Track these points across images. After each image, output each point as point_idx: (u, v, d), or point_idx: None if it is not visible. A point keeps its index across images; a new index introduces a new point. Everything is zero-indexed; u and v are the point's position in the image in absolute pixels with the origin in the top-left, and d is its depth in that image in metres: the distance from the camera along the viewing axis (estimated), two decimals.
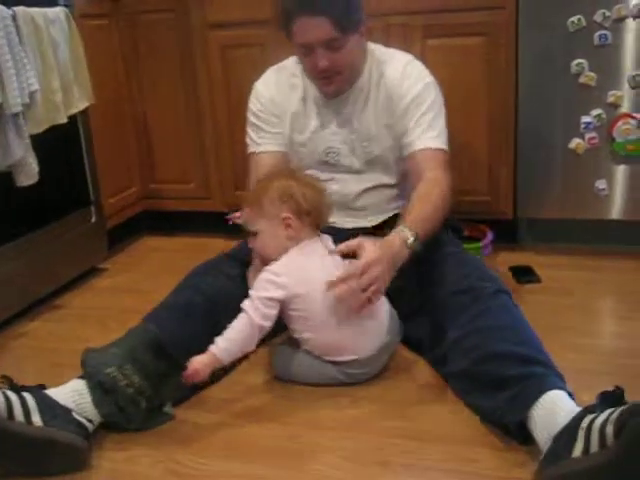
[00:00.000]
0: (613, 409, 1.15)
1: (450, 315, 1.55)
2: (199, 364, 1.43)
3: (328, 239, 1.65)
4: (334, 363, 1.58)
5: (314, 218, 1.61)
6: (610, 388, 1.24)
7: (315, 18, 1.66)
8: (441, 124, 1.85)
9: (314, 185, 1.64)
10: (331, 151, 1.89)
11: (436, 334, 1.59)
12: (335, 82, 1.78)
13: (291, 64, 1.93)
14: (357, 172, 1.89)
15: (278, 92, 1.91)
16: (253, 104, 1.96)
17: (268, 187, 1.61)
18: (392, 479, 1.30)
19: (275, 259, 1.58)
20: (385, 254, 1.50)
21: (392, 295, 1.63)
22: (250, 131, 1.97)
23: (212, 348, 1.45)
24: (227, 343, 1.46)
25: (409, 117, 1.82)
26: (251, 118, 1.96)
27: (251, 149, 1.96)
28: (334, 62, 1.72)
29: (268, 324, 1.51)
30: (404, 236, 1.56)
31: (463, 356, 1.47)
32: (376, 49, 1.89)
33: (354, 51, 1.77)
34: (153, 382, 1.48)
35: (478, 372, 1.42)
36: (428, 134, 1.82)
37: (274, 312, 1.51)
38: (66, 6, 2.18)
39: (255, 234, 1.62)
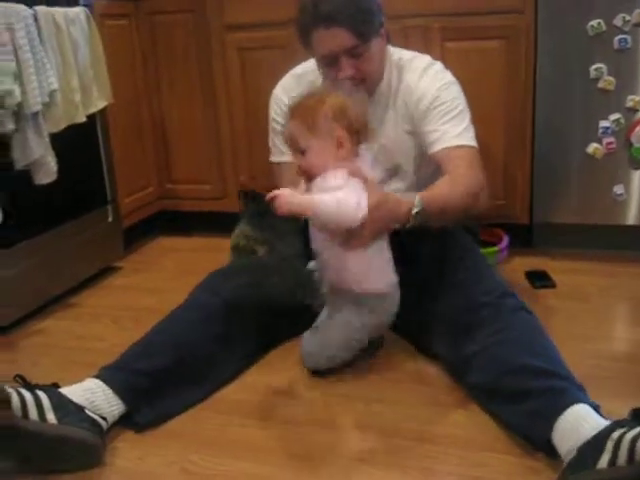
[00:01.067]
0: None
1: (470, 329, 1.54)
2: (290, 195, 1.41)
3: (366, 158, 1.59)
4: (354, 304, 1.58)
5: (361, 137, 1.55)
6: None
7: (332, 29, 1.65)
8: (465, 121, 1.81)
9: (361, 102, 1.59)
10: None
11: (455, 346, 1.57)
12: (361, 88, 1.76)
13: (310, 69, 1.90)
14: (382, 182, 1.87)
15: (297, 93, 1.90)
16: (273, 110, 1.94)
17: (322, 103, 1.51)
18: None
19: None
20: (384, 208, 1.50)
21: (410, 302, 1.64)
22: (274, 137, 1.95)
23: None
24: (325, 201, 1.43)
25: (429, 119, 1.79)
26: (273, 124, 1.96)
27: (274, 158, 1.94)
28: (359, 69, 1.71)
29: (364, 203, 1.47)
30: (411, 205, 1.54)
31: (483, 369, 1.46)
32: (394, 53, 1.86)
33: (377, 55, 1.75)
34: None
35: (499, 385, 1.42)
36: (450, 133, 1.78)
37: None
38: (86, 6, 2.20)
39: (303, 152, 1.51)
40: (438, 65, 1.85)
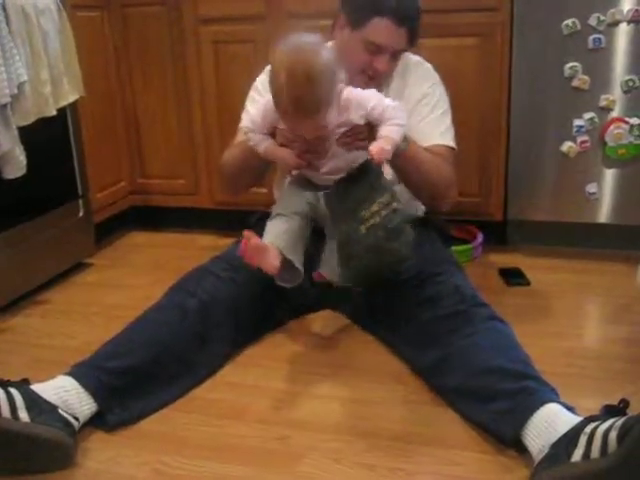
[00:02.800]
0: (618, 417, 1.15)
1: (442, 334, 1.54)
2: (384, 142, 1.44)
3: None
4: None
5: None
6: (615, 402, 1.23)
7: (401, 28, 1.71)
8: (447, 121, 1.91)
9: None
10: None
11: (426, 351, 1.57)
12: (372, 83, 1.77)
13: None
14: None
15: None
16: (260, 82, 1.92)
17: (329, 63, 1.44)
18: None
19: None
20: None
21: (383, 306, 1.70)
22: (249, 105, 1.93)
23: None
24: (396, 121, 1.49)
25: (415, 115, 1.84)
26: (254, 94, 1.93)
27: (244, 123, 1.90)
28: (389, 69, 1.78)
29: None
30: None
31: (455, 371, 1.47)
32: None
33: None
34: None
35: (471, 387, 1.42)
36: (434, 131, 1.85)
37: None
38: None
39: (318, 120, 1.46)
40: (427, 64, 1.93)
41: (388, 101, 1.51)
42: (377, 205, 1.50)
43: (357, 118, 1.51)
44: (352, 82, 1.78)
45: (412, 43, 1.78)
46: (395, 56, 1.77)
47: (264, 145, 1.59)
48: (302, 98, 1.40)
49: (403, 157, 1.60)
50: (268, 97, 1.51)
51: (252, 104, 1.92)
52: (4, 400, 1.29)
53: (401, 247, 1.51)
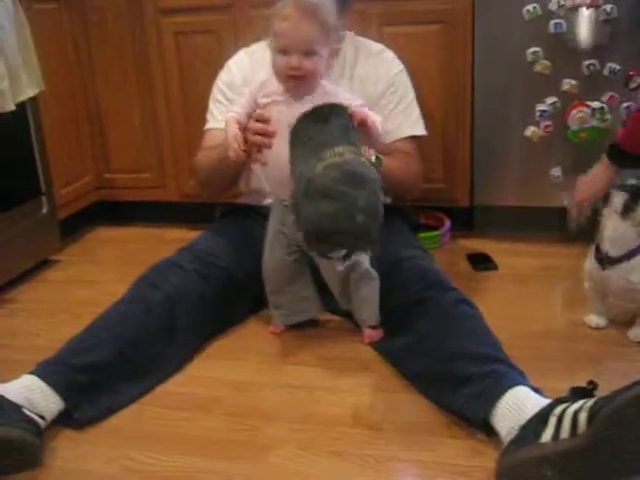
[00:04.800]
0: (587, 399, 1.16)
1: (410, 320, 1.55)
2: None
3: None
4: None
5: None
6: (582, 384, 1.24)
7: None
8: (417, 109, 1.96)
9: None
10: None
11: (394, 336, 1.59)
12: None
13: (260, 46, 1.93)
14: None
15: (251, 71, 1.89)
16: (222, 81, 1.93)
17: (329, 8, 1.54)
18: (348, 469, 1.28)
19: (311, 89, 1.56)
20: None
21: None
22: (213, 107, 1.94)
23: None
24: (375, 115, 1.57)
25: (384, 103, 1.87)
26: (217, 94, 1.94)
27: (209, 125, 1.93)
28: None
29: None
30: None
31: (424, 356, 1.47)
32: (349, 35, 1.94)
33: (342, 25, 1.81)
34: None
35: (440, 371, 1.42)
36: (404, 123, 1.91)
37: None
38: None
39: (309, 54, 1.51)
40: (392, 52, 1.95)
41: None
42: (343, 148, 1.39)
43: None
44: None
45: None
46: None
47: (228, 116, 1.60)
48: (308, 2, 1.50)
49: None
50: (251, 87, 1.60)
51: (216, 106, 1.92)
52: None
53: (359, 198, 1.33)
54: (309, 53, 1.49)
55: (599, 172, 1.75)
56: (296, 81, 1.52)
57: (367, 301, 1.66)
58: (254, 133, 1.56)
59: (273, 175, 1.61)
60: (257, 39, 1.96)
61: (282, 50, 1.51)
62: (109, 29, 2.55)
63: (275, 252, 1.69)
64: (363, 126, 1.50)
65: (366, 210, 1.33)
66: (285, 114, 1.52)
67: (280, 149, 1.50)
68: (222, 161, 1.69)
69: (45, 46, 2.32)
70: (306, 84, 1.54)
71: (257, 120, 1.56)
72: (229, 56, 1.98)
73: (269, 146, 1.55)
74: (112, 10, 2.52)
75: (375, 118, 1.54)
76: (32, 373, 1.42)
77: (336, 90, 1.60)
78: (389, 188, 1.76)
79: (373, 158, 1.60)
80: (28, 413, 1.33)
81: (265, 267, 1.72)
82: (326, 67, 1.56)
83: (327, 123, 1.42)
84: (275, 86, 1.57)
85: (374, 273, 1.64)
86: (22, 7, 2.13)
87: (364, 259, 1.63)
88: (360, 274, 1.63)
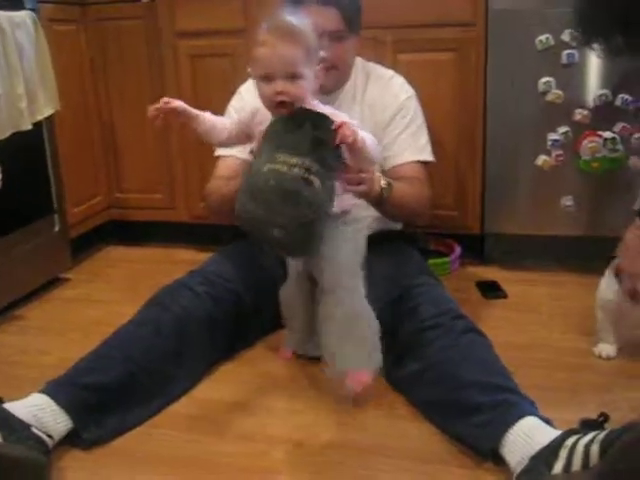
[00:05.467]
0: (599, 431, 1.15)
1: (419, 347, 1.54)
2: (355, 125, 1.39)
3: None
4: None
5: None
6: (592, 415, 1.24)
7: (326, 8, 1.74)
8: (425, 135, 1.95)
9: None
10: None
11: (402, 364, 1.58)
12: (330, 75, 1.76)
13: None
14: None
15: None
16: (233, 108, 1.96)
17: (308, 28, 1.44)
18: None
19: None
20: None
21: None
22: None
23: None
24: (368, 137, 1.45)
25: (392, 128, 1.88)
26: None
27: (219, 151, 1.95)
28: (335, 54, 1.77)
29: None
30: (379, 178, 1.62)
31: (433, 384, 1.47)
32: (360, 61, 1.95)
33: (352, 51, 1.86)
34: None
35: (450, 400, 1.42)
36: (412, 147, 1.90)
37: None
38: (32, 10, 2.14)
39: (293, 77, 1.40)
40: (402, 78, 1.95)
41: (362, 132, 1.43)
42: (299, 160, 1.34)
43: None
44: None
45: (349, 24, 1.79)
46: (335, 39, 1.77)
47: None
48: (283, 26, 1.41)
49: (388, 203, 1.64)
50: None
51: None
52: None
53: (282, 214, 1.32)
54: (293, 77, 1.40)
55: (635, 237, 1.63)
56: (285, 107, 1.42)
57: (352, 342, 1.48)
58: None
59: None
60: None
61: (264, 77, 1.43)
62: (126, 51, 2.59)
63: (293, 277, 1.64)
64: (348, 145, 1.37)
65: (285, 228, 1.33)
66: None
67: None
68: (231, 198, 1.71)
69: (62, 66, 2.36)
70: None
71: None
72: (243, 79, 2.00)
73: None
74: (129, 32, 2.56)
75: (365, 137, 1.42)
76: (42, 392, 1.43)
77: (329, 110, 1.49)
78: (400, 214, 1.78)
79: (383, 183, 1.62)
80: (36, 432, 1.34)
81: (282, 289, 1.66)
82: (313, 89, 1.46)
83: (299, 129, 1.38)
84: (266, 114, 1.50)
85: (366, 313, 1.50)
86: (42, 28, 2.16)
87: (354, 293, 1.49)
88: (345, 312, 1.47)
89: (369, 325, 1.49)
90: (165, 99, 1.51)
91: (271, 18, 1.44)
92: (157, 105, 1.49)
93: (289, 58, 1.39)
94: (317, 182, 1.34)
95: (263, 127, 1.47)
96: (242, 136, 1.55)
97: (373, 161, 1.52)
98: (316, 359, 1.65)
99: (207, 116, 1.55)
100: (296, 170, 1.33)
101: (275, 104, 1.42)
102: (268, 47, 1.40)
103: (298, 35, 1.41)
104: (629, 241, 1.63)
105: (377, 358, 1.49)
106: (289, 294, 1.65)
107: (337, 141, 1.35)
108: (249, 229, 1.41)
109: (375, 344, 1.49)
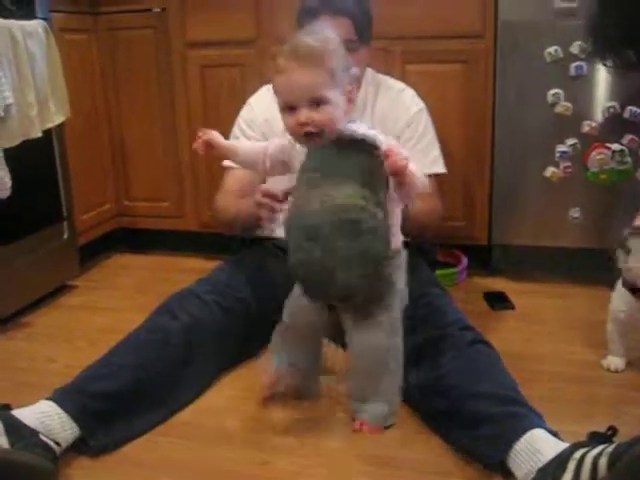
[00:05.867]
0: (607, 444, 1.15)
1: (426, 359, 1.54)
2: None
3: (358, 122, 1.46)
4: None
5: None
6: (600, 427, 1.24)
7: (338, 18, 1.75)
8: (437, 148, 1.98)
9: None
10: None
11: (412, 374, 1.56)
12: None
13: None
14: None
15: (272, 108, 1.90)
16: (242, 119, 1.97)
17: (331, 47, 1.33)
18: None
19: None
20: None
21: None
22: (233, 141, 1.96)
23: None
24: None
25: (403, 142, 1.89)
26: (237, 132, 1.98)
27: (226, 162, 1.94)
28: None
29: None
30: None
31: (439, 396, 1.46)
32: (370, 72, 1.95)
33: (363, 61, 1.87)
34: None
35: (456, 412, 1.41)
36: (426, 159, 1.92)
37: None
38: (44, 19, 2.16)
39: (318, 103, 1.31)
40: (412, 90, 1.97)
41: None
42: (352, 190, 1.25)
43: None
44: None
45: (361, 34, 1.80)
46: (347, 49, 1.72)
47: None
48: (301, 48, 1.31)
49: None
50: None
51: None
52: None
53: (350, 250, 1.23)
54: (318, 103, 1.31)
55: None
56: (312, 139, 1.34)
57: (373, 392, 1.46)
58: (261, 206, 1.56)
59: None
60: None
61: (287, 107, 1.35)
62: (136, 60, 2.61)
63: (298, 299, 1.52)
64: (397, 175, 1.28)
65: (350, 269, 1.24)
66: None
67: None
68: (243, 217, 1.76)
69: (73, 75, 2.37)
70: (326, 137, 1.35)
71: (264, 195, 1.55)
72: (253, 90, 2.01)
73: (278, 210, 1.51)
74: (140, 42, 2.58)
75: (414, 167, 1.31)
76: (49, 399, 1.43)
77: (367, 129, 1.39)
78: (411, 228, 1.77)
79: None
80: (44, 439, 1.34)
81: (291, 302, 1.56)
82: (346, 110, 1.37)
83: (347, 158, 1.29)
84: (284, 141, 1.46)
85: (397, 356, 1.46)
86: (54, 37, 2.18)
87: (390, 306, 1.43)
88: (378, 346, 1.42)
89: (395, 373, 1.48)
90: (201, 131, 1.48)
91: (290, 39, 1.35)
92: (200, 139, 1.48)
93: (309, 84, 1.30)
94: (378, 212, 1.26)
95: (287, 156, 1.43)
96: (278, 165, 1.50)
97: (419, 191, 1.38)
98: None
99: (243, 147, 1.54)
100: (352, 200, 1.24)
101: (301, 136, 1.35)
102: (286, 74, 1.32)
103: (319, 57, 1.31)
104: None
105: (393, 417, 1.51)
106: (299, 313, 1.52)
107: (389, 171, 1.26)
108: (306, 276, 1.29)
109: (394, 399, 1.49)
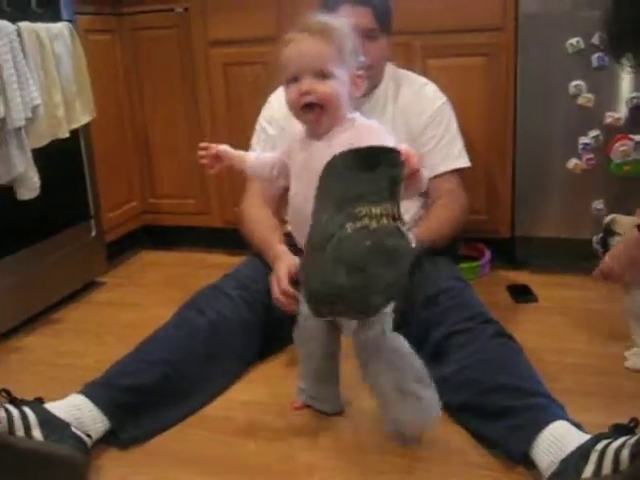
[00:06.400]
0: (630, 436, 1.15)
1: (448, 352, 1.55)
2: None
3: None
4: None
5: None
6: (622, 420, 1.24)
7: (359, 7, 1.78)
8: (460, 142, 2.00)
9: None
10: None
11: (435, 366, 1.54)
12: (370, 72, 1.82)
13: None
14: None
15: None
16: (263, 117, 2.00)
17: (342, 28, 1.31)
18: None
19: (332, 124, 1.31)
20: None
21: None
22: (255, 145, 2.00)
23: None
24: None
25: (428, 137, 1.91)
26: (259, 132, 2.00)
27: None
28: (368, 52, 1.77)
29: None
30: None
31: (463, 388, 1.47)
32: (391, 67, 1.96)
33: (384, 51, 1.89)
34: None
35: (480, 404, 1.42)
36: (449, 157, 1.95)
37: None
38: (69, 21, 2.20)
39: (324, 76, 1.27)
40: (434, 85, 2.00)
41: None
42: (382, 208, 1.17)
43: None
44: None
45: (381, 23, 1.83)
46: (368, 37, 1.78)
47: None
48: (313, 23, 1.30)
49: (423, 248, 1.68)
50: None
51: (258, 143, 2.00)
52: (18, 419, 1.31)
53: (384, 277, 1.16)
54: (323, 75, 1.27)
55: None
56: (312, 111, 1.29)
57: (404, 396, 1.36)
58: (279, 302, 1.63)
59: (291, 218, 1.48)
60: None
61: (292, 78, 1.30)
62: (159, 59, 2.64)
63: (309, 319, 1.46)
64: (412, 177, 1.24)
65: (388, 292, 1.19)
66: (305, 157, 1.36)
67: (298, 193, 1.38)
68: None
69: (98, 75, 2.41)
70: (326, 115, 1.31)
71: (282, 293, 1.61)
72: (275, 87, 2.02)
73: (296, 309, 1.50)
74: (163, 41, 2.61)
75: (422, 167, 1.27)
76: (80, 393, 1.47)
77: (374, 127, 1.33)
78: (437, 243, 1.84)
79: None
80: (76, 431, 1.37)
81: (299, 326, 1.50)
82: (350, 97, 1.32)
83: (372, 172, 1.17)
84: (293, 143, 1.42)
85: (397, 342, 1.37)
86: (79, 39, 2.22)
87: (383, 319, 1.34)
88: (370, 339, 1.34)
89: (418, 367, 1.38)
90: (202, 144, 1.50)
91: (302, 19, 1.34)
92: (201, 152, 1.50)
93: (318, 53, 1.26)
94: (405, 229, 1.20)
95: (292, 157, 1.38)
96: (284, 172, 1.45)
97: (423, 189, 1.34)
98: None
99: (252, 156, 1.53)
100: (385, 221, 1.16)
101: (302, 108, 1.30)
102: (294, 44, 1.29)
103: (329, 32, 1.28)
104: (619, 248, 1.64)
105: (434, 402, 1.38)
106: (308, 328, 1.47)
107: (407, 173, 1.20)
108: (328, 305, 1.22)
109: (426, 384, 1.38)
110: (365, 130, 1.32)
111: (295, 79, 1.29)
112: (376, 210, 1.16)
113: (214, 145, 1.49)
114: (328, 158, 1.20)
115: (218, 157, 1.50)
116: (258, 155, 1.55)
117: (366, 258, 1.14)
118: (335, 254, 1.15)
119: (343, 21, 1.35)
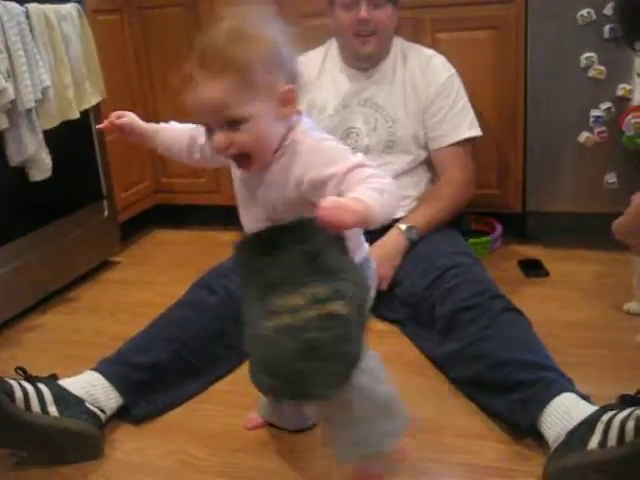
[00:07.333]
0: (635, 407, 1.16)
1: (457, 327, 1.56)
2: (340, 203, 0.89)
3: (306, 122, 1.15)
4: None
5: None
6: (631, 392, 1.24)
7: None
8: (470, 111, 2.02)
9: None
10: (352, 132, 1.93)
11: (444, 341, 1.59)
12: (370, 41, 1.88)
13: (318, 54, 2.06)
14: (375, 153, 1.93)
15: (307, 63, 1.96)
16: None
17: (251, 41, 1.05)
18: (390, 468, 1.30)
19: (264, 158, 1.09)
20: (379, 257, 1.65)
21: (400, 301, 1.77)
22: None
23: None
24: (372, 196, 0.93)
25: (437, 107, 1.92)
26: None
27: None
28: (374, 18, 1.85)
29: None
30: (398, 231, 1.73)
31: (472, 363, 1.48)
32: (399, 40, 1.98)
33: (391, 19, 1.91)
34: None
35: (488, 378, 1.43)
36: (463, 123, 1.97)
37: None
38: (78, 2, 2.20)
39: (234, 123, 1.04)
40: (443, 57, 2.00)
41: (370, 171, 1.00)
42: (302, 297, 0.99)
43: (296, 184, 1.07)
44: (354, 51, 1.87)
45: None
46: (373, 3, 1.84)
47: None
48: (208, 49, 1.06)
49: (423, 234, 1.78)
50: None
51: None
52: (33, 396, 1.35)
53: (316, 374, 1.00)
54: (233, 123, 1.05)
55: None
56: (240, 161, 1.11)
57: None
58: None
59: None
60: (314, 46, 2.03)
61: (207, 129, 1.10)
62: (167, 38, 2.64)
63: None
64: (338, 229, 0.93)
65: (325, 382, 1.02)
66: (242, 183, 1.27)
67: (243, 215, 1.34)
68: None
69: (107, 55, 2.42)
70: (256, 160, 1.10)
71: None
72: None
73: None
74: (171, 21, 2.61)
75: (365, 195, 0.93)
76: (94, 370, 1.50)
77: (319, 146, 1.08)
78: (440, 223, 1.91)
79: (404, 230, 1.74)
80: (90, 407, 1.41)
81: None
82: (283, 114, 1.09)
83: (280, 256, 1.02)
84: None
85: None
86: (87, 19, 2.22)
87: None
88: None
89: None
90: (117, 113, 1.35)
91: (204, 34, 1.10)
92: (110, 119, 1.38)
93: (219, 101, 1.03)
94: (341, 305, 0.99)
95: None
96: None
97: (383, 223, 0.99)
98: None
99: (168, 129, 1.38)
100: (309, 313, 0.99)
101: (232, 161, 1.12)
102: (196, 91, 1.05)
103: (230, 63, 1.02)
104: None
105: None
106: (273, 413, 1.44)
107: (335, 234, 0.98)
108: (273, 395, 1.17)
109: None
110: (305, 152, 1.08)
111: (209, 130, 1.10)
112: (294, 300, 1.00)
113: (124, 113, 1.36)
114: (265, 190, 1.13)
115: (121, 129, 1.37)
116: (172, 128, 1.40)
117: (292, 360, 1.00)
118: (264, 359, 1.06)
119: (260, 20, 1.11)
